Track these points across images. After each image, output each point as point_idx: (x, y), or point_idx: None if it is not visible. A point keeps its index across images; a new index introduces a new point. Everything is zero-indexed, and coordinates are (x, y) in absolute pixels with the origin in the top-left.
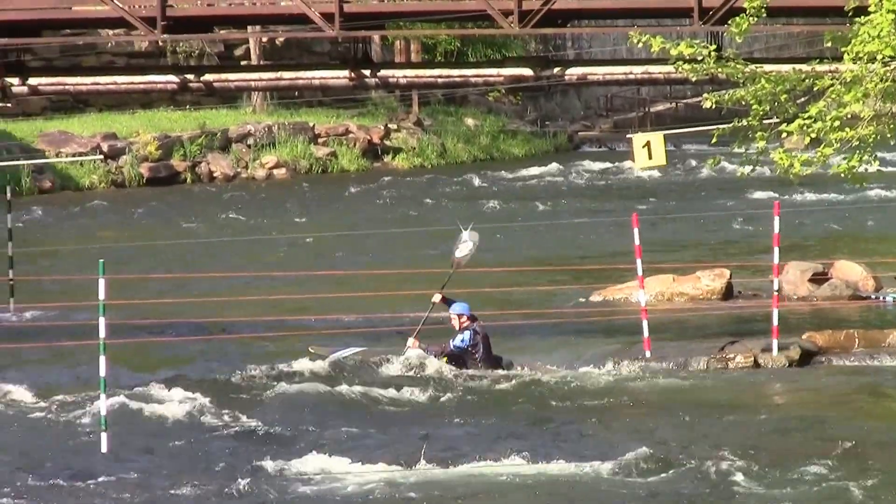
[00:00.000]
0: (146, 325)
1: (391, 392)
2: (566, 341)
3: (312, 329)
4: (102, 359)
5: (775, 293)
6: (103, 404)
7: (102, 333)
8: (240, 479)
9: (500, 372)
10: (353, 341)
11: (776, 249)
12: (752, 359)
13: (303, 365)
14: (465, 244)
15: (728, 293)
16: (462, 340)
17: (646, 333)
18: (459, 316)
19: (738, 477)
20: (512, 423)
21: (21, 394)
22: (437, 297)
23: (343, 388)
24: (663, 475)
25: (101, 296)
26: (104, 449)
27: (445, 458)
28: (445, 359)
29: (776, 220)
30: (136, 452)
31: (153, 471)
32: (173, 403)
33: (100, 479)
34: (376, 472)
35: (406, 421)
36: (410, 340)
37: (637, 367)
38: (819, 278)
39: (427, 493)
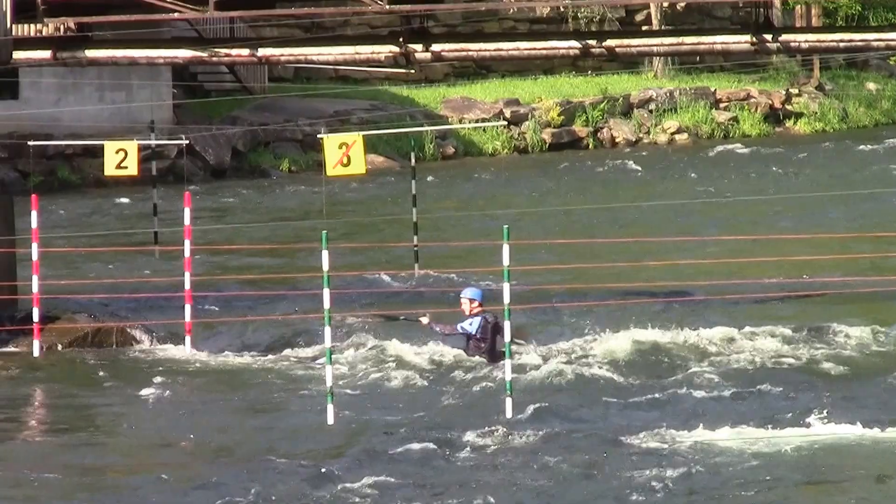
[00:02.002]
0: (548, 291)
1: (728, 357)
2: None
3: (707, 296)
4: (507, 324)
5: None
6: (508, 369)
7: (507, 299)
8: (630, 447)
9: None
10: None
11: None
12: None
13: (713, 334)
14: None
15: None
16: (470, 324)
17: None
18: (471, 300)
19: None
20: (844, 389)
21: (423, 358)
22: (424, 320)
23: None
24: None
25: (505, 261)
26: (508, 414)
27: (792, 423)
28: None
29: None
30: (539, 417)
31: (554, 435)
32: (578, 369)
33: (504, 444)
34: (763, 440)
35: (768, 389)
36: (424, 319)
37: None
38: None
39: (792, 459)
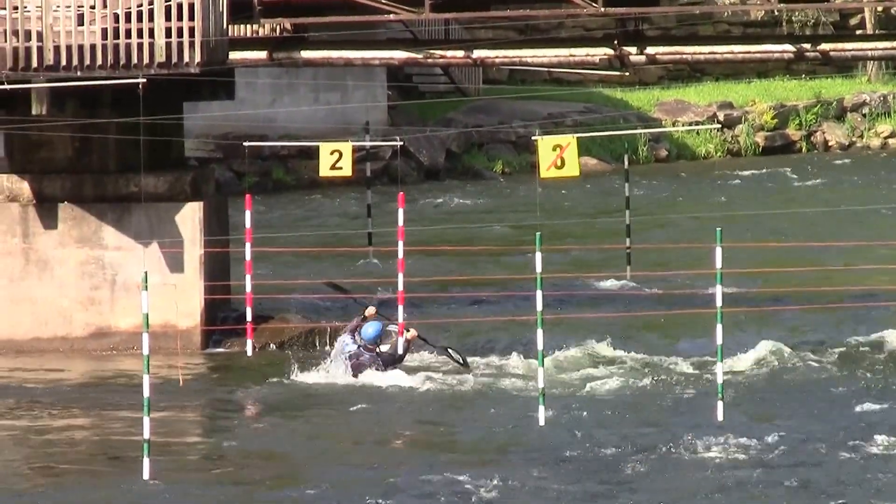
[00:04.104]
0: (760, 294)
1: None
2: None
3: None
4: (719, 327)
5: None
6: (720, 372)
7: (719, 302)
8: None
9: None
10: None
11: None
12: None
13: None
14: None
15: None
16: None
17: None
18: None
19: None
20: None
21: (633, 360)
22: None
23: None
24: None
25: (718, 264)
26: (719, 417)
27: None
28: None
29: None
30: (751, 421)
31: (765, 441)
32: (790, 372)
33: (713, 448)
34: None
35: None
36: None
37: None
38: None
39: None
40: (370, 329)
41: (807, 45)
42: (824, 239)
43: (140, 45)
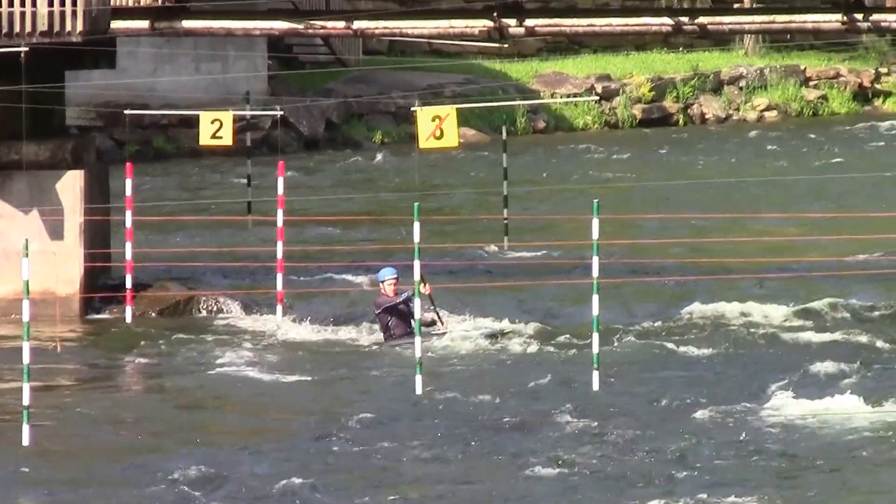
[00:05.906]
0: (636, 266)
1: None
2: None
3: (794, 273)
4: (595, 298)
5: None
6: (595, 343)
7: (595, 273)
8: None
9: None
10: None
11: None
12: None
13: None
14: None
15: None
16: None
17: None
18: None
19: None
20: None
21: (513, 330)
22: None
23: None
24: None
25: (595, 235)
26: (595, 387)
27: None
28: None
29: None
30: (626, 391)
31: (640, 411)
32: (665, 342)
33: (589, 418)
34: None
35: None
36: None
37: None
38: None
39: None
40: (385, 270)
41: (684, 19)
42: (700, 210)
43: (22, 14)
